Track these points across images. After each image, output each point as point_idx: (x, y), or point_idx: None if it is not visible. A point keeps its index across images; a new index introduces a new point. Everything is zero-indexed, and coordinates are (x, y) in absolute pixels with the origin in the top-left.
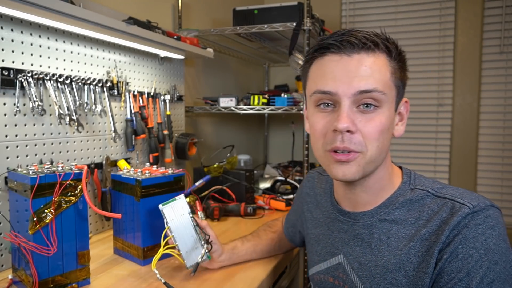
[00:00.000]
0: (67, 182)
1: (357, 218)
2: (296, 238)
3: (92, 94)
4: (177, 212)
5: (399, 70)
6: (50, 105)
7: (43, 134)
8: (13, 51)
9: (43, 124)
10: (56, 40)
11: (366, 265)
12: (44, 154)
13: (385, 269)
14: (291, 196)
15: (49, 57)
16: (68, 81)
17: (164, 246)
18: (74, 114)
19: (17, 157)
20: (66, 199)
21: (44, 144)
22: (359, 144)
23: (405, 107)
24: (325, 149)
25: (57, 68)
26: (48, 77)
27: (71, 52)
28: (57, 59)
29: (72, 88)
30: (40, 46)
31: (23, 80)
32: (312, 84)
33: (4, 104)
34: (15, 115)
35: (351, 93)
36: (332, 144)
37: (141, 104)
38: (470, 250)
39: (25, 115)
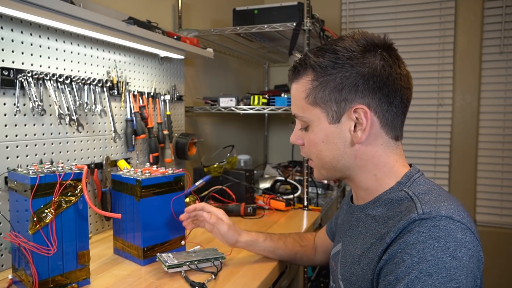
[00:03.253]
0: (67, 182)
1: (354, 211)
2: None
3: (92, 94)
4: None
5: (329, 85)
6: (50, 105)
7: (43, 134)
8: (13, 51)
9: (43, 124)
10: (56, 40)
11: (346, 254)
12: (44, 154)
13: (353, 259)
14: (291, 196)
15: (49, 57)
16: (68, 81)
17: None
18: (74, 114)
19: (17, 157)
20: (66, 199)
21: (44, 144)
22: (306, 154)
23: (363, 114)
24: None
25: (57, 68)
26: (48, 77)
27: (71, 52)
28: (57, 59)
29: (72, 88)
30: (40, 46)
31: (23, 80)
32: None
33: (4, 104)
34: (15, 115)
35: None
36: None
37: (141, 104)
38: (405, 255)
39: (25, 115)
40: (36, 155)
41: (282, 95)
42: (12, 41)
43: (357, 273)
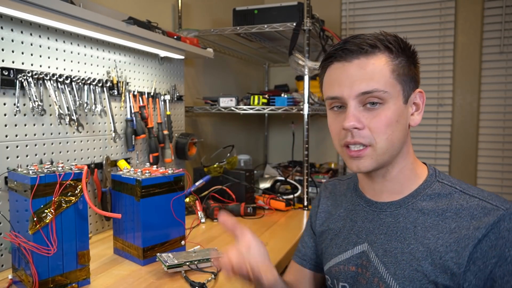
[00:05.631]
0: (67, 182)
1: (383, 208)
2: (312, 257)
3: (92, 94)
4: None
5: (405, 66)
6: (50, 105)
7: (43, 134)
8: (13, 51)
9: (43, 124)
10: (56, 40)
11: (392, 252)
12: (44, 154)
13: (412, 256)
14: (291, 196)
15: (49, 57)
16: (68, 81)
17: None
18: (74, 114)
19: (17, 157)
20: (66, 199)
21: (44, 144)
22: (368, 137)
23: (420, 97)
24: (340, 144)
25: (57, 68)
26: (48, 77)
27: (71, 52)
28: (57, 59)
29: (72, 88)
30: (40, 46)
31: (23, 80)
32: (325, 91)
33: (4, 104)
34: (15, 115)
35: (354, 95)
36: (345, 139)
37: (141, 104)
38: None
39: (25, 115)
40: (36, 155)
41: (282, 95)
42: (12, 41)
43: (426, 269)
